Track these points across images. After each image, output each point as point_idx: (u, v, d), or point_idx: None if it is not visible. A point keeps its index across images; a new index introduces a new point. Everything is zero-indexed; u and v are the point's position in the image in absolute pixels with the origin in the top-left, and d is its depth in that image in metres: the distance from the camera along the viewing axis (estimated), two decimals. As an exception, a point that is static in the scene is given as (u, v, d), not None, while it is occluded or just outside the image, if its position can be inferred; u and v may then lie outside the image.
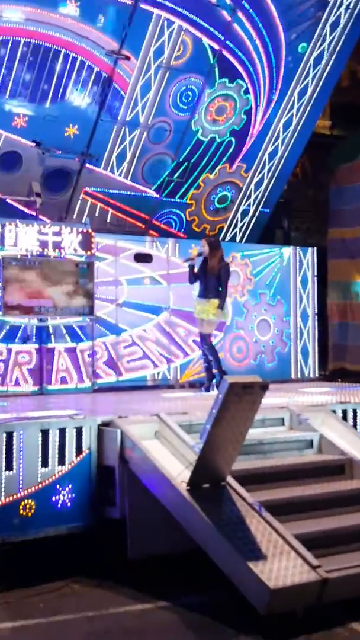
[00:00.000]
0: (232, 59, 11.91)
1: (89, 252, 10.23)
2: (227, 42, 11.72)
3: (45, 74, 10.56)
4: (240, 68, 12.02)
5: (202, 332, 9.82)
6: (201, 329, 9.81)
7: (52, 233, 10.01)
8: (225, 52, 11.77)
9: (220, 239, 12.76)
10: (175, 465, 6.51)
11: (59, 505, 6.61)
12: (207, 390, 9.85)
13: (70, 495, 6.66)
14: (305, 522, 6.42)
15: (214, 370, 9.81)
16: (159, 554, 6.54)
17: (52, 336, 10.07)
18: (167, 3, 11.03)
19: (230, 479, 6.35)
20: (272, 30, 12.03)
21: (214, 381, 9.83)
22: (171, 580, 6.46)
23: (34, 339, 9.90)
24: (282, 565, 5.64)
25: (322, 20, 12.23)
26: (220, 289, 9.66)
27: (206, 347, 9.80)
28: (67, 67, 10.67)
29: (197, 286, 9.88)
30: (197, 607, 5.95)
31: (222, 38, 11.64)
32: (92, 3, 10.52)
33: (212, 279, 9.67)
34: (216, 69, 11.80)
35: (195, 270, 9.74)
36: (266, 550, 5.73)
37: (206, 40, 11.54)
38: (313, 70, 12.69)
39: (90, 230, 10.33)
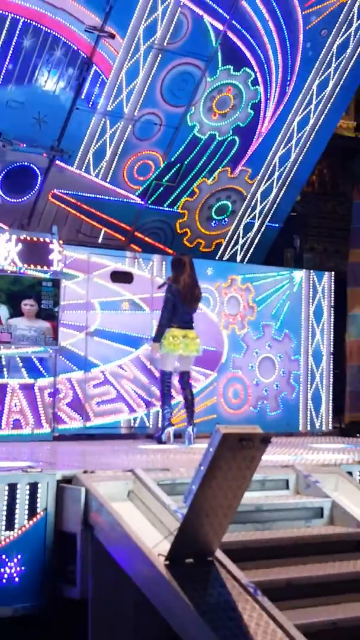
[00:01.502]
0: (238, 43, 12.02)
1: (54, 268, 10.16)
2: (234, 22, 11.83)
3: (11, 51, 10.61)
4: (248, 54, 12.13)
5: (186, 371, 10.09)
6: (183, 367, 10.08)
7: (12, 242, 9.93)
8: (230, 34, 11.87)
9: (217, 257, 12.79)
10: (152, 534, 6.42)
11: (3, 581, 6.46)
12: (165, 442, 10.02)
13: (18, 569, 6.51)
14: (312, 610, 6.31)
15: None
16: (128, 646, 6.41)
17: (4, 369, 9.98)
18: (162, -28, 11.13)
19: (219, 554, 6.24)
20: (287, 11, 12.16)
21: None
22: None
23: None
24: (281, 664, 5.49)
25: (349, 2, 12.31)
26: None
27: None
28: (38, 45, 10.72)
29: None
30: None
31: (228, 17, 11.75)
32: (71, -32, 10.59)
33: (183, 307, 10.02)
34: (219, 54, 11.90)
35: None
36: (261, 645, 5.58)
37: (208, 19, 11.63)
38: (336, 60, 12.85)
39: (58, 242, 10.27)
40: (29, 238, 10.14)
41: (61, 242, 10.39)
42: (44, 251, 10.17)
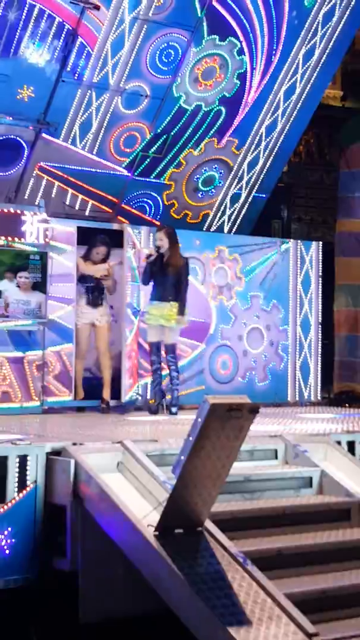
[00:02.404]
0: (223, 12, 11.96)
1: (42, 241, 10.07)
2: (219, -9, 11.72)
3: (-5, 23, 10.48)
4: (233, 23, 12.07)
5: (167, 343, 10.06)
6: (162, 337, 10.06)
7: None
8: (215, 3, 11.83)
9: (204, 228, 12.73)
10: (141, 505, 6.42)
11: (-6, 553, 6.48)
12: (155, 411, 10.17)
13: (8, 541, 6.50)
14: (301, 580, 6.31)
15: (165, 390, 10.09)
16: (118, 616, 6.45)
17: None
18: None
19: (209, 524, 6.24)
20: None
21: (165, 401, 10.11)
22: (132, 649, 6.33)
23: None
24: (271, 633, 5.52)
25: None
26: (179, 290, 9.97)
27: (172, 359, 10.11)
28: (23, 17, 10.62)
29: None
30: None
31: (213, -14, 11.63)
32: None
33: (170, 278, 9.93)
34: (204, 24, 11.82)
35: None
36: (251, 614, 5.60)
37: (193, -12, 11.53)
38: (322, 29, 12.78)
39: (44, 215, 10.17)
40: (12, 211, 10.03)
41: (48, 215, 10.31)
42: (22, 223, 10.06)
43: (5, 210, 10.02)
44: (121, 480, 6.79)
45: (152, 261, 9.93)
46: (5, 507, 6.53)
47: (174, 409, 10.12)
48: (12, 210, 10.08)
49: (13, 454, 6.65)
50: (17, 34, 10.66)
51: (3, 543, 6.47)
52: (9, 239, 9.98)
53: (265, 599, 5.76)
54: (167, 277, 9.92)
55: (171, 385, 10.20)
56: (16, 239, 10.01)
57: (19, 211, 10.08)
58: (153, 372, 10.25)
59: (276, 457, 7.82)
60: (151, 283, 10.09)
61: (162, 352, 10.14)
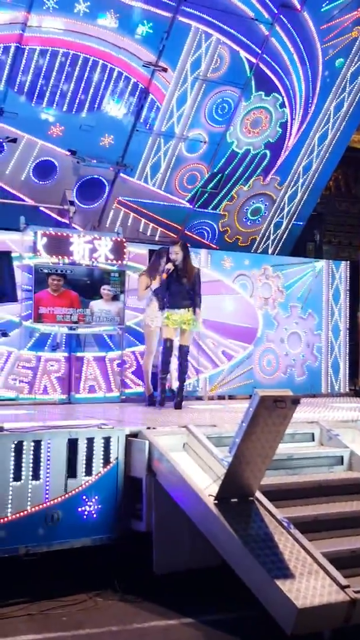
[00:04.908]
0: (268, 72, 11.85)
1: (120, 261, 10.14)
2: (264, 56, 11.67)
3: (83, 84, 10.57)
4: (276, 81, 11.96)
5: (183, 344, 9.23)
6: (178, 338, 9.23)
7: (84, 241, 9.92)
8: (262, 66, 11.71)
9: (252, 250, 12.70)
10: (203, 479, 6.42)
11: (84, 517, 6.51)
12: (161, 404, 9.24)
13: (96, 507, 6.55)
14: (334, 541, 6.29)
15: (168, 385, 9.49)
16: (185, 569, 6.44)
17: (81, 345, 9.97)
18: (205, 16, 11.00)
19: (258, 494, 6.24)
20: (309, 45, 11.98)
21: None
22: (197, 596, 6.35)
23: (63, 347, 9.81)
24: (311, 585, 5.50)
25: (360, 36, 12.12)
26: (194, 297, 9.16)
27: (185, 360, 9.29)
28: (105, 78, 10.67)
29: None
30: (222, 625, 5.82)
31: (259, 51, 11.59)
32: (131, 15, 10.51)
33: (186, 286, 9.13)
34: (253, 82, 11.76)
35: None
36: (294, 569, 5.59)
37: (243, 54, 11.49)
38: (350, 85, 12.63)
39: (122, 239, 10.24)
40: (97, 237, 10.10)
41: (125, 239, 10.36)
42: (117, 248, 10.09)
43: (90, 236, 10.11)
44: (186, 458, 6.80)
45: (170, 273, 9.18)
46: (93, 479, 6.58)
47: (181, 403, 9.31)
48: (96, 236, 10.16)
49: (99, 435, 6.69)
50: (100, 92, 10.71)
51: (92, 508, 6.52)
52: (118, 261, 10.03)
53: (306, 556, 5.75)
54: (184, 286, 9.12)
55: (179, 382, 9.38)
56: (120, 261, 10.07)
57: (122, 239, 10.15)
58: (164, 364, 9.22)
59: (313, 440, 7.78)
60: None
61: (175, 352, 9.33)
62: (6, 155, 10.42)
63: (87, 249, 9.91)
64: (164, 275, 9.20)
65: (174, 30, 10.82)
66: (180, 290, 9.15)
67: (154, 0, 10.54)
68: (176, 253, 9.19)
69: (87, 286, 9.88)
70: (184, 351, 9.29)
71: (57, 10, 10.05)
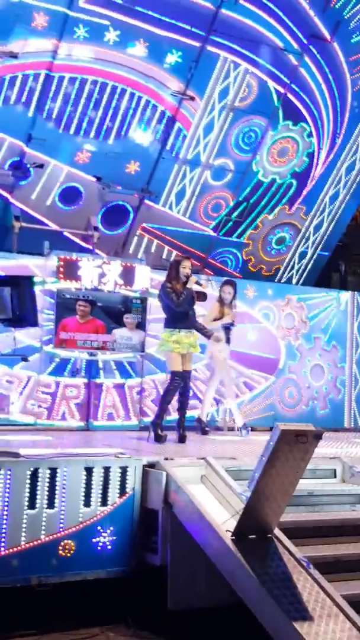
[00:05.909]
0: (296, 102, 11.86)
1: (142, 288, 10.07)
2: (293, 86, 11.68)
3: (111, 111, 10.63)
4: (304, 111, 11.97)
5: (188, 369, 8.67)
6: (186, 366, 8.63)
7: (107, 267, 9.86)
8: (290, 95, 11.72)
9: (276, 280, 12.61)
10: (220, 513, 6.27)
11: (99, 548, 6.39)
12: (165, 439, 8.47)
13: (111, 538, 6.43)
14: (355, 583, 6.10)
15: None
16: (200, 606, 6.29)
17: (101, 371, 9.91)
18: (234, 46, 11.03)
19: (277, 532, 6.07)
20: (338, 76, 11.97)
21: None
22: (211, 635, 6.18)
23: (83, 373, 9.74)
24: (330, 628, 5.32)
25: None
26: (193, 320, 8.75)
27: (188, 386, 8.76)
28: (132, 106, 10.74)
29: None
30: (237, 666, 5.63)
31: (288, 81, 11.59)
32: (160, 44, 10.56)
33: (191, 309, 8.67)
34: (280, 111, 11.78)
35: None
36: (313, 611, 5.42)
37: (271, 83, 11.50)
38: (378, 117, 12.55)
39: (132, 265, 10.16)
40: (123, 263, 10.06)
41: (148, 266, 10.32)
42: (140, 275, 10.04)
43: (100, 261, 9.94)
44: (204, 491, 6.66)
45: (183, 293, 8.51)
46: (109, 509, 6.46)
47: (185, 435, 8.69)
48: (105, 260, 9.99)
49: (116, 465, 6.58)
50: (127, 120, 10.76)
51: (106, 540, 6.40)
52: (141, 288, 9.96)
53: (325, 598, 5.58)
54: (191, 308, 8.66)
55: (182, 411, 8.76)
56: (142, 288, 10.01)
57: (129, 264, 10.06)
58: (169, 403, 8.67)
59: (335, 476, 7.60)
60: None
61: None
62: (33, 180, 10.46)
63: (97, 274, 9.75)
64: (195, 284, 8.64)
65: (203, 59, 10.87)
66: (188, 312, 8.62)
67: (183, 29, 10.59)
68: (190, 268, 8.66)
69: (111, 314, 9.80)
70: (189, 377, 8.74)
71: (87, 39, 10.11)
